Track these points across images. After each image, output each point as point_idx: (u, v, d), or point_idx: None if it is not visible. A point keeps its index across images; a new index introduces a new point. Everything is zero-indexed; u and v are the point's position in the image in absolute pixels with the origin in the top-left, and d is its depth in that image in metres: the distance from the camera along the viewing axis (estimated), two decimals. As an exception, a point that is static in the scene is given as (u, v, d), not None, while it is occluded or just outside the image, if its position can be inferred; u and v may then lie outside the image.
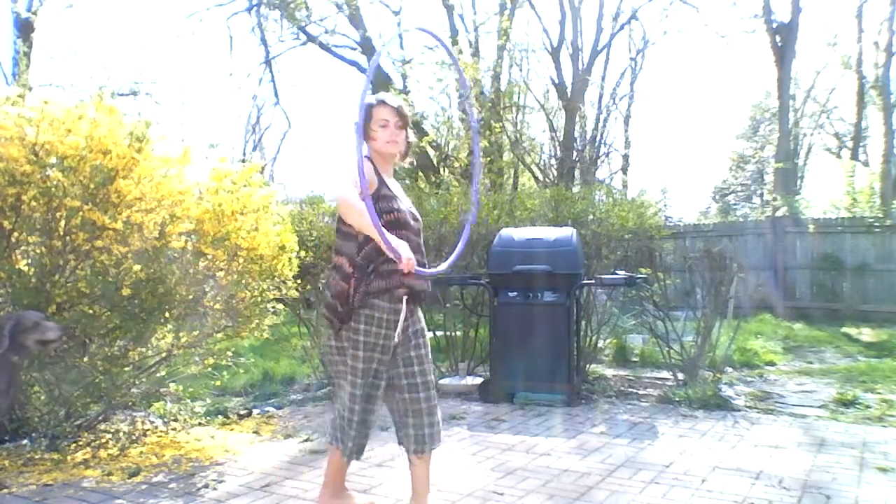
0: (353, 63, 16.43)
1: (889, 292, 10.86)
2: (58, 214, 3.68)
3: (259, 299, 4.35)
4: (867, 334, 9.04)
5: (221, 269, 4.19)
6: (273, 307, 4.54)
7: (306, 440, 4.15)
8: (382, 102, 2.76)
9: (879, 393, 5.42)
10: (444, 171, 15.79)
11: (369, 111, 2.72)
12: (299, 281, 4.66)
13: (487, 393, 5.28)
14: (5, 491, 3.19)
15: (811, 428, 4.40)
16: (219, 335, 4.43)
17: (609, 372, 6.32)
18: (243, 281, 4.24)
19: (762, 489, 3.22)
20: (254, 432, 4.38)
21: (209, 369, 4.55)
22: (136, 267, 3.88)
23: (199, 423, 4.52)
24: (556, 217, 6.52)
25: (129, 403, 4.32)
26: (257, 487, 3.30)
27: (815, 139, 28.04)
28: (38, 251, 3.84)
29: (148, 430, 4.29)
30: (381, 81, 16.01)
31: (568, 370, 5.09)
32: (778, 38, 15.53)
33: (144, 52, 39.40)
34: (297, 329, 6.29)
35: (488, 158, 15.51)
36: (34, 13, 16.15)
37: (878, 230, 11.18)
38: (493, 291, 5.30)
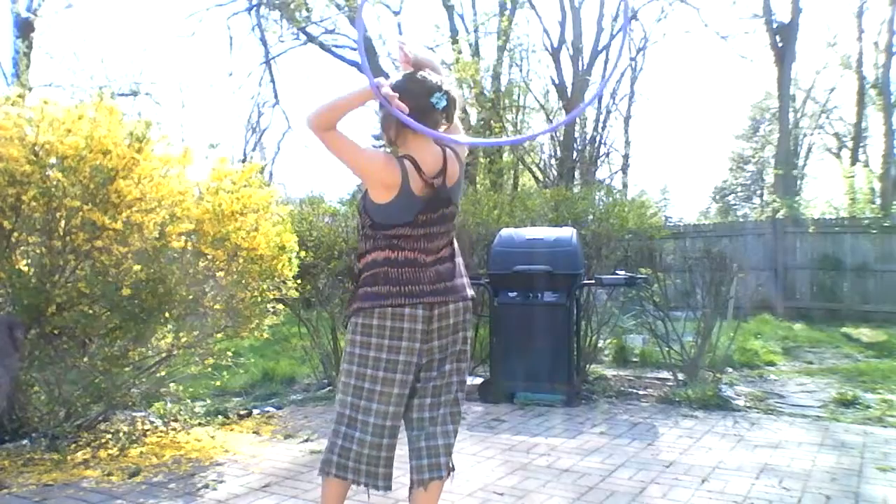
0: (353, 63, 16.43)
1: (889, 292, 10.84)
2: (58, 214, 3.68)
3: (259, 299, 4.35)
4: (867, 334, 9.02)
5: (221, 270, 4.19)
6: (273, 307, 4.54)
7: (306, 440, 4.15)
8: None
9: (879, 393, 5.42)
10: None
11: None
12: (299, 281, 4.66)
13: (487, 393, 5.28)
14: (5, 491, 3.19)
15: (811, 428, 4.40)
16: (219, 335, 4.43)
17: (609, 372, 6.32)
18: (243, 281, 4.24)
19: (762, 489, 3.22)
20: (254, 432, 4.38)
21: (209, 369, 4.55)
22: (136, 267, 3.88)
23: (199, 423, 4.52)
24: (556, 217, 6.52)
25: (129, 403, 4.32)
26: (257, 487, 3.30)
27: (815, 139, 28.05)
28: (38, 251, 3.84)
29: (148, 430, 4.29)
30: (381, 81, 15.98)
31: (568, 370, 5.09)
32: (778, 38, 15.54)
33: (144, 52, 39.44)
34: (297, 329, 6.29)
35: (488, 159, 15.51)
36: (34, 13, 16.17)
37: (877, 230, 11.17)
38: (493, 291, 5.30)
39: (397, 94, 2.16)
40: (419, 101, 2.24)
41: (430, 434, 2.38)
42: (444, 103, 2.28)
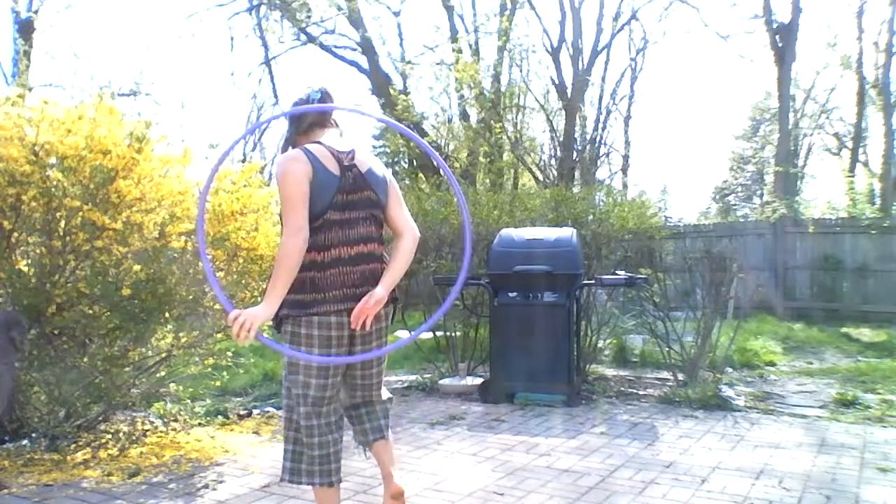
0: (353, 63, 16.45)
1: (889, 292, 10.84)
2: (58, 214, 3.68)
3: (259, 300, 4.35)
4: (867, 334, 9.02)
5: (221, 270, 4.19)
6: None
7: (306, 440, 4.15)
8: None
9: (879, 393, 5.42)
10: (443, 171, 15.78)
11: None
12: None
13: (487, 393, 5.28)
14: (5, 491, 3.19)
15: (811, 428, 4.40)
16: (219, 335, 4.43)
17: (609, 372, 6.32)
18: (243, 281, 4.24)
19: (762, 489, 3.22)
20: (254, 432, 4.38)
21: (209, 369, 4.54)
22: (136, 267, 3.88)
23: (199, 424, 4.52)
24: (556, 217, 6.52)
25: (129, 403, 4.32)
26: (257, 487, 3.30)
27: (815, 139, 28.04)
28: (38, 251, 3.84)
29: (148, 430, 4.29)
30: (381, 82, 16.03)
31: (568, 370, 5.09)
32: (778, 38, 15.53)
33: (144, 53, 39.47)
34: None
35: (488, 159, 15.52)
36: (34, 13, 16.18)
37: (877, 231, 11.17)
38: (493, 292, 5.30)
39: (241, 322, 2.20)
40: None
41: (368, 405, 2.64)
42: (318, 96, 2.52)
